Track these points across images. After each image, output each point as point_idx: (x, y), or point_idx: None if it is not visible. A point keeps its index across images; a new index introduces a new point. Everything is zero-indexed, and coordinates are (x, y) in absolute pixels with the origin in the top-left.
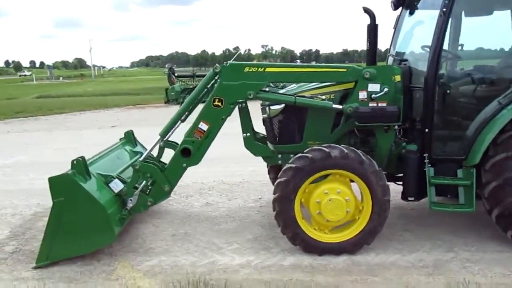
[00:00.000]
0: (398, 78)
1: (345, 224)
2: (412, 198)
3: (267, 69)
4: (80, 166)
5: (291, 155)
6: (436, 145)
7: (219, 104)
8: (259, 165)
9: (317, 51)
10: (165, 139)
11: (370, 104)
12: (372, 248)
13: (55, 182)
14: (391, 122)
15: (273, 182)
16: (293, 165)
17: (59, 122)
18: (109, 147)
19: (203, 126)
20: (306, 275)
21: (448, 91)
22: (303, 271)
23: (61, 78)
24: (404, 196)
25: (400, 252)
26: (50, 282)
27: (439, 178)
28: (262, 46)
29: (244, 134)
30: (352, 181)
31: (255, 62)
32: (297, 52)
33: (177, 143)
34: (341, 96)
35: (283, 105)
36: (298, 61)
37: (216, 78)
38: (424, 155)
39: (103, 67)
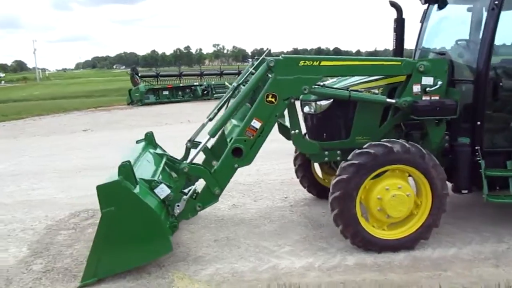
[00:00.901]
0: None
1: (403, 220)
2: (466, 191)
3: (323, 63)
4: (128, 171)
5: (338, 152)
6: (487, 138)
7: (273, 100)
8: (262, 164)
9: (269, 50)
10: (192, 140)
11: (424, 98)
12: (426, 243)
13: (104, 191)
14: (450, 115)
15: (301, 181)
16: (355, 161)
17: (21, 128)
18: (133, 149)
19: (256, 124)
20: (376, 274)
21: (500, 84)
22: (371, 270)
23: (2, 82)
24: (457, 189)
25: (454, 245)
26: None
27: (493, 170)
28: (214, 45)
29: (293, 131)
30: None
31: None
32: (249, 51)
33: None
34: (389, 90)
35: (331, 100)
36: (250, 60)
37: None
38: (476, 147)
39: (45, 70)
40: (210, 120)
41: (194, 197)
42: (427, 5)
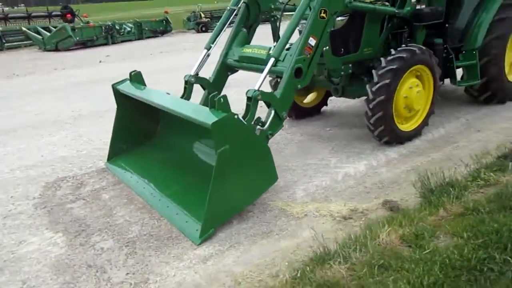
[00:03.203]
0: None
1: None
2: (441, 82)
3: None
4: (227, 104)
5: (350, 65)
6: (451, 37)
7: (324, 15)
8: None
9: None
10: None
11: (417, 7)
12: (427, 128)
13: (219, 127)
14: (439, 20)
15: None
16: (392, 67)
17: None
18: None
19: (312, 42)
20: (422, 157)
21: None
22: (417, 155)
23: None
24: None
25: (443, 126)
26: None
27: (459, 62)
28: None
29: (324, 48)
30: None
31: None
32: None
33: (206, 79)
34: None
35: (347, 17)
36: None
37: None
38: (445, 45)
39: None
40: (208, 49)
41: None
42: None
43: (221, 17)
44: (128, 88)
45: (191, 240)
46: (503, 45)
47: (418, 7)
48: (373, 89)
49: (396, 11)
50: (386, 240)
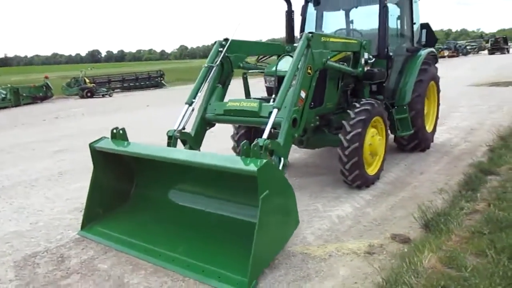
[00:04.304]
0: None
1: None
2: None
3: (331, 39)
4: (259, 151)
5: (317, 117)
6: (387, 94)
7: (310, 72)
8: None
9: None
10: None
11: (366, 68)
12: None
13: (262, 173)
14: (382, 79)
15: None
16: (361, 117)
17: None
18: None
19: (303, 94)
20: (395, 197)
21: (392, 57)
22: (389, 195)
23: None
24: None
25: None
26: None
27: (398, 114)
28: None
29: None
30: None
31: None
32: None
33: (189, 133)
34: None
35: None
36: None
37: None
38: (384, 101)
39: None
40: (190, 105)
41: None
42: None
43: (105, 82)
44: (120, 146)
45: None
46: (423, 102)
47: (367, 68)
48: (347, 137)
49: (353, 70)
50: (429, 265)
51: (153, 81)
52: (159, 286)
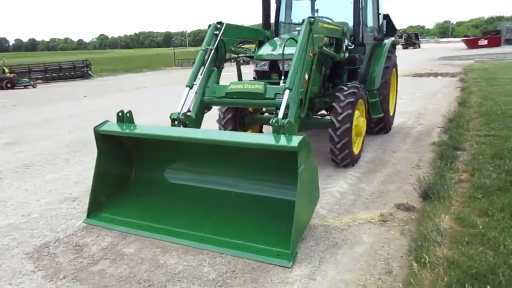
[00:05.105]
0: None
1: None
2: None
3: (325, 25)
4: (292, 127)
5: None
6: (361, 79)
7: (311, 55)
8: None
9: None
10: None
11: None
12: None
13: (300, 149)
14: (360, 64)
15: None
16: (351, 99)
17: None
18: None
19: (306, 76)
20: (381, 173)
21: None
22: (377, 171)
23: None
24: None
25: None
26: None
27: (370, 98)
28: None
29: None
30: None
31: None
32: None
33: (191, 116)
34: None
35: None
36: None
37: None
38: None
39: None
40: (191, 87)
41: None
42: None
43: (25, 72)
44: (136, 129)
45: (279, 265)
46: (388, 87)
47: (346, 54)
48: (339, 118)
49: (337, 56)
50: (447, 225)
51: (78, 72)
52: (198, 264)
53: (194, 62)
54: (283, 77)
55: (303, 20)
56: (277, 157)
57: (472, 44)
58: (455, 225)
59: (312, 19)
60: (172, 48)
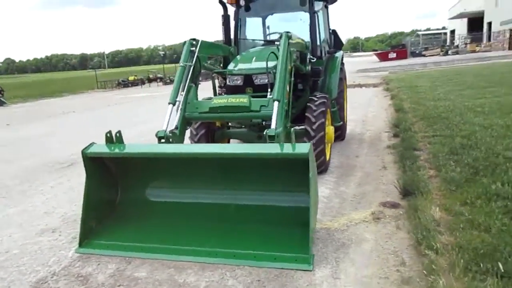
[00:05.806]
0: None
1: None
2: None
3: (296, 40)
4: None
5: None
6: (323, 90)
7: (290, 67)
8: None
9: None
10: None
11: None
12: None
13: (310, 155)
14: (321, 77)
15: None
16: (322, 109)
17: None
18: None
19: (287, 88)
20: (354, 177)
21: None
22: (350, 174)
23: None
24: None
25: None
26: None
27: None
28: None
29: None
30: None
31: None
32: None
33: (176, 133)
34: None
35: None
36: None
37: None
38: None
39: None
40: (173, 104)
41: None
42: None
43: None
44: (128, 148)
45: (301, 269)
46: (343, 97)
47: (308, 67)
48: (313, 127)
49: (303, 68)
50: (439, 216)
51: None
52: (220, 278)
53: (118, 84)
54: (269, 90)
55: (281, 35)
56: (274, 166)
57: (383, 57)
58: (445, 215)
59: (290, 34)
60: (94, 70)
